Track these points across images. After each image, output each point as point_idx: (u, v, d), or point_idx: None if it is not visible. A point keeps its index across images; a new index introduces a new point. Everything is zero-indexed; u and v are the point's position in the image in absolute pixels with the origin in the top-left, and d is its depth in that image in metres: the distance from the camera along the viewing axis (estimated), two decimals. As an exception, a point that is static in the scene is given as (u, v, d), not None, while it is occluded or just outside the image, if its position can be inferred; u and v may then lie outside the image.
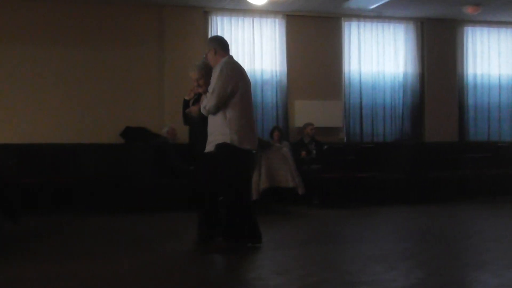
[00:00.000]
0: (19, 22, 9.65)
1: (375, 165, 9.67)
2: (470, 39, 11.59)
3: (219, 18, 10.46)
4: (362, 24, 11.11)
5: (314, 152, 9.81)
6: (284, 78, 10.60)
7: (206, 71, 5.66)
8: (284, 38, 10.67)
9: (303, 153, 9.63)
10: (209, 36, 10.34)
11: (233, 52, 10.34)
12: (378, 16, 11.00)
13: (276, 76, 10.60)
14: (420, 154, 10.54)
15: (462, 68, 11.52)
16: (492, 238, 6.35)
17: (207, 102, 5.40)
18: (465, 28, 11.55)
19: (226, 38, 10.22)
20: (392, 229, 7.34)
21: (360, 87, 11.06)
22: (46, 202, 8.55)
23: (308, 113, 10.43)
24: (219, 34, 10.38)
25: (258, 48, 10.54)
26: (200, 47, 10.27)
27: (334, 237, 6.63)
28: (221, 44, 5.69)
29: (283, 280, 4.45)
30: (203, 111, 5.49)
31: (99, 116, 9.85)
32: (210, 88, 5.41)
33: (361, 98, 11.06)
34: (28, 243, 6.17)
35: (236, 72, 5.50)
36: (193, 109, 5.78)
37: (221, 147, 5.39)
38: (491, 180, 10.20)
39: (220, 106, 5.37)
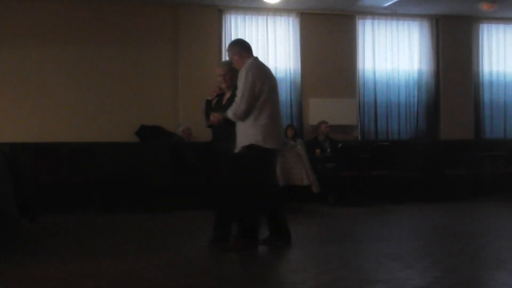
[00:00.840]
0: (35, 21, 9.72)
1: (390, 163, 9.63)
2: (485, 36, 11.51)
3: (233, 17, 10.48)
4: (376, 21, 11.08)
5: (328, 150, 9.80)
6: (298, 76, 10.59)
7: (233, 68, 5.67)
8: (298, 36, 10.66)
9: (318, 151, 9.61)
10: (223, 35, 10.38)
11: (247, 50, 10.44)
12: (392, 13, 10.95)
13: (290, 74, 10.60)
14: (436, 152, 10.49)
15: (478, 65, 11.44)
16: (509, 237, 6.32)
17: (237, 107, 5.38)
18: (481, 25, 11.47)
19: (240, 36, 10.38)
20: (407, 227, 7.32)
21: (375, 85, 11.03)
22: (62, 200, 8.63)
23: (323, 111, 10.42)
24: (233, 32, 10.44)
25: (272, 46, 10.53)
26: (215, 45, 10.32)
27: (349, 235, 6.63)
28: (244, 47, 5.70)
29: (298, 278, 4.46)
30: (232, 117, 5.46)
31: (115, 114, 9.91)
32: (238, 93, 5.41)
33: (375, 96, 11.03)
34: (46, 241, 6.23)
35: (261, 73, 5.49)
36: (214, 118, 5.68)
37: (247, 149, 5.43)
38: (508, 178, 10.13)
39: (250, 110, 5.37)
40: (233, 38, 10.42)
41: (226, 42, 10.41)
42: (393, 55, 11.12)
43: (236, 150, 5.51)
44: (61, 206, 8.55)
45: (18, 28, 9.68)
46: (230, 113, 5.45)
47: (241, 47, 5.68)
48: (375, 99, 11.03)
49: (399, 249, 5.53)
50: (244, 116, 5.39)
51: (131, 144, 9.71)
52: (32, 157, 8.65)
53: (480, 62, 11.43)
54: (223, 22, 10.44)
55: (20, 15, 9.70)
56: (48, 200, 8.38)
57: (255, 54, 10.09)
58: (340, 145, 9.78)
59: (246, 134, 5.44)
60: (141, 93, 10.07)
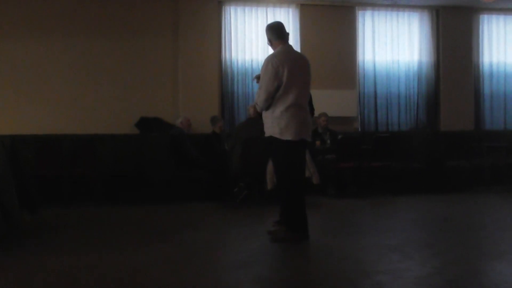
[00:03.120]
0: (34, 14, 9.73)
1: (391, 155, 9.63)
2: (485, 27, 11.51)
3: (232, 8, 10.46)
4: (376, 12, 11.07)
5: (328, 141, 9.79)
6: (298, 68, 10.56)
7: None
8: (297, 28, 10.66)
9: (318, 142, 9.61)
10: (223, 26, 10.38)
11: (246, 42, 10.47)
12: (392, 4, 10.93)
13: (290, 66, 10.57)
14: (436, 143, 10.49)
15: (478, 56, 11.44)
16: (509, 228, 6.33)
17: (257, 97, 5.49)
18: (481, 15, 11.47)
19: (240, 28, 10.41)
20: (407, 218, 7.32)
21: (375, 76, 11.03)
22: (64, 193, 8.64)
23: (323, 103, 10.38)
24: (232, 24, 10.43)
25: (271, 38, 10.50)
26: (214, 37, 10.30)
27: (350, 227, 6.64)
28: (274, 34, 5.64)
29: (298, 270, 4.47)
30: (257, 108, 5.58)
31: (115, 106, 9.93)
32: (260, 83, 5.48)
33: (375, 88, 11.04)
34: (47, 234, 6.23)
35: (282, 63, 5.41)
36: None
37: (269, 140, 5.52)
38: (508, 169, 10.14)
39: (269, 100, 5.41)
40: (233, 30, 10.43)
41: (225, 34, 10.41)
42: (393, 46, 11.12)
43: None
44: (61, 198, 8.58)
45: (18, 21, 9.69)
46: (255, 104, 5.59)
47: (272, 35, 5.64)
48: (375, 91, 11.03)
49: (399, 240, 5.54)
50: (264, 106, 5.47)
51: (131, 136, 9.72)
52: (32, 150, 8.65)
53: (480, 53, 11.44)
54: (223, 14, 10.43)
55: (20, 8, 9.70)
56: (49, 192, 8.41)
57: (255, 46, 10.41)
58: (340, 136, 9.78)
59: (266, 125, 5.54)
60: (141, 85, 10.08)
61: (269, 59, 5.45)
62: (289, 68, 5.41)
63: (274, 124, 5.43)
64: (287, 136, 5.42)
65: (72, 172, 8.70)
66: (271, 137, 5.49)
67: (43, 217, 7.05)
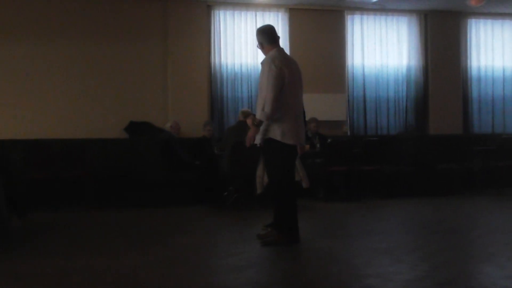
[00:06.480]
0: (24, 17, 9.67)
1: (380, 158, 9.66)
2: (473, 31, 11.59)
3: (222, 12, 10.46)
4: (365, 17, 11.11)
5: (318, 145, 9.81)
6: (288, 72, 10.56)
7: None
8: (287, 32, 10.67)
9: (307, 146, 9.61)
10: (212, 30, 10.37)
11: (236, 46, 10.47)
12: (381, 8, 10.98)
13: (279, 70, 10.57)
14: (426, 147, 10.54)
15: (466, 60, 11.52)
16: (498, 230, 6.36)
17: (262, 105, 5.30)
18: (469, 20, 11.55)
19: (229, 32, 10.41)
20: (397, 221, 7.34)
21: (364, 80, 11.07)
22: (53, 197, 8.60)
23: (312, 107, 10.41)
24: (221, 28, 10.42)
25: (261, 42, 10.51)
26: (204, 41, 10.29)
27: (340, 230, 6.65)
28: (266, 37, 5.56)
29: (289, 273, 4.47)
30: (261, 117, 5.34)
31: (104, 111, 9.88)
32: (263, 87, 5.32)
33: (364, 91, 11.07)
34: (37, 238, 6.20)
35: (283, 65, 5.35)
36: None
37: (267, 142, 5.45)
38: (497, 172, 10.20)
39: (278, 102, 5.26)
40: (222, 34, 10.42)
41: (215, 38, 10.40)
42: (382, 50, 11.16)
43: (256, 142, 5.54)
44: (51, 202, 8.53)
45: (6, 24, 9.62)
46: (258, 112, 5.39)
47: (264, 38, 5.56)
48: (364, 95, 11.07)
49: (389, 243, 5.55)
50: (274, 113, 5.28)
51: (122, 140, 9.69)
52: (22, 154, 8.61)
53: (468, 57, 11.52)
54: (212, 18, 10.42)
55: (7, 11, 9.64)
56: (38, 196, 8.36)
57: (244, 49, 10.42)
58: (329, 140, 9.80)
59: (265, 127, 5.41)
60: (130, 89, 10.05)
61: (270, 61, 5.35)
62: (288, 70, 5.38)
63: (275, 127, 5.36)
64: (289, 140, 5.40)
65: (62, 176, 8.66)
66: (270, 139, 5.42)
67: (32, 221, 7.01)
